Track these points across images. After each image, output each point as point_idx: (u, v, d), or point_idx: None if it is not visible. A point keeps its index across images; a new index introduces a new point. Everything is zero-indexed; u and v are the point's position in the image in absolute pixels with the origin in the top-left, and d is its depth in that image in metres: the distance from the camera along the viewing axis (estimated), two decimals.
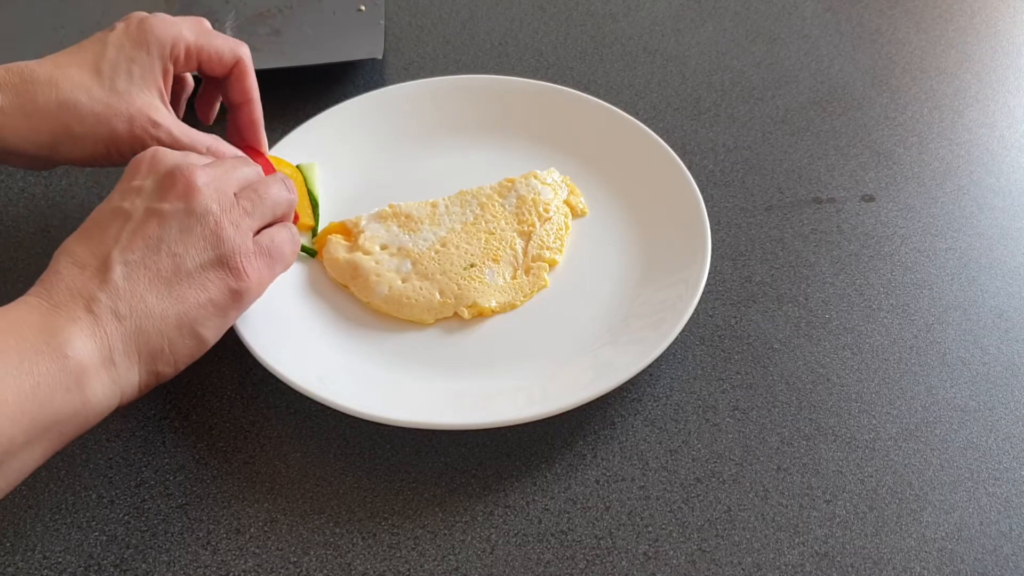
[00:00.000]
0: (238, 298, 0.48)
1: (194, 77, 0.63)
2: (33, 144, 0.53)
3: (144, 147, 0.53)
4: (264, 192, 0.51)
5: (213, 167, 0.50)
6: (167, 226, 0.46)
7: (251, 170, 0.52)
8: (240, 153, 0.58)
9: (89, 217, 0.48)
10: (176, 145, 0.55)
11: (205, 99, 0.64)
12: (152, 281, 0.45)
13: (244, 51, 0.60)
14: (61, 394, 0.41)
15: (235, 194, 0.49)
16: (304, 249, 0.61)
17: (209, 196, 0.48)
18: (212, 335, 0.48)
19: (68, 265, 0.45)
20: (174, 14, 0.76)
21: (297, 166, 0.64)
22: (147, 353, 0.45)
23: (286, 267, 0.52)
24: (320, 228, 0.63)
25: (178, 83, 0.61)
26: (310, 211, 0.63)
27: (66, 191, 0.66)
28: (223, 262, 0.47)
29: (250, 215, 0.49)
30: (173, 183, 0.48)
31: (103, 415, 0.44)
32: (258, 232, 0.50)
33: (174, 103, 0.61)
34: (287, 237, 0.52)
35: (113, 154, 0.55)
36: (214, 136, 0.57)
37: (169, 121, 0.55)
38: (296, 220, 0.57)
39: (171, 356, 0.46)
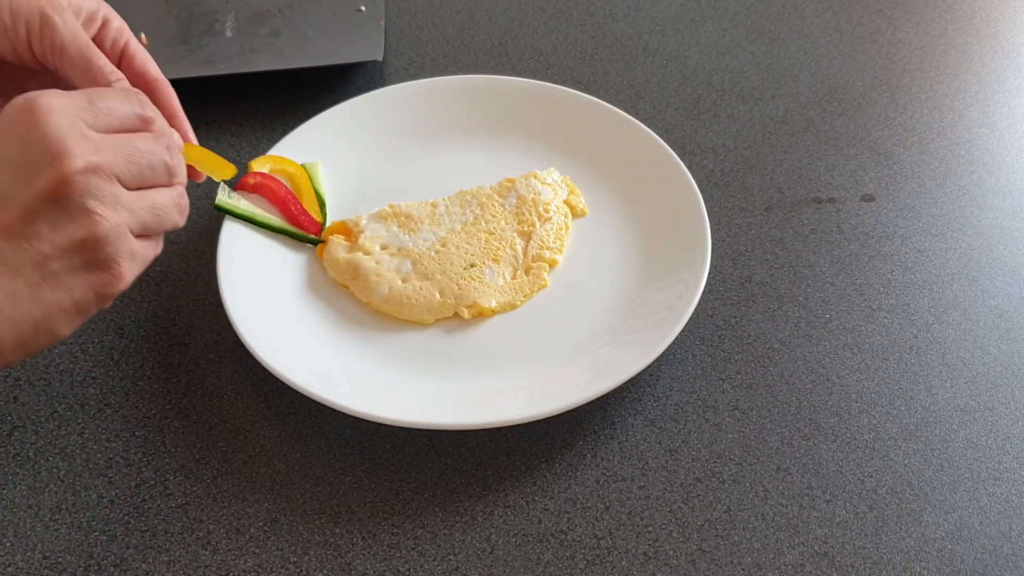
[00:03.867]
0: (106, 300, 0.43)
1: None
2: None
3: (62, 60, 0.48)
4: (157, 199, 0.44)
5: (108, 149, 0.42)
6: (32, 221, 0.40)
7: (156, 157, 0.44)
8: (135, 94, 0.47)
9: None
10: (91, 65, 0.48)
11: None
12: (6, 278, 0.40)
13: (123, 26, 0.52)
14: None
15: (116, 165, 0.42)
16: (309, 239, 0.61)
17: (88, 192, 0.41)
18: (69, 332, 0.43)
19: None
20: (174, 15, 0.77)
21: (302, 165, 0.64)
22: None
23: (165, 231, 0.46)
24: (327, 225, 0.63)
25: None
26: (318, 209, 0.63)
27: None
28: (97, 265, 0.42)
29: (131, 210, 0.42)
30: (48, 168, 0.40)
31: None
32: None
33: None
34: (169, 206, 0.45)
35: (25, 53, 0.48)
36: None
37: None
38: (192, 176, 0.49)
39: (23, 351, 0.42)
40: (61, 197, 0.40)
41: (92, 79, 0.48)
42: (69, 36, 0.48)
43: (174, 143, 0.46)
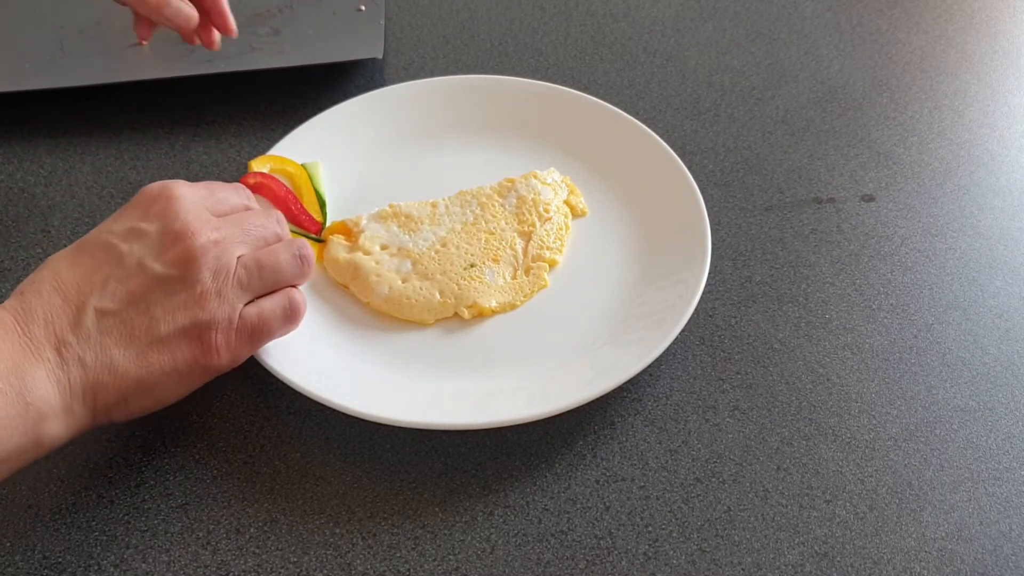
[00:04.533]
0: (205, 372, 0.48)
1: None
2: None
3: None
4: (271, 261, 0.49)
5: (227, 226, 0.48)
6: (154, 288, 0.45)
7: (267, 229, 0.51)
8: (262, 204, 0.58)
9: (86, 237, 0.48)
10: None
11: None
12: (123, 337, 0.45)
13: None
14: (17, 436, 0.42)
15: (239, 258, 0.48)
16: (309, 239, 0.61)
17: (207, 265, 0.46)
18: (171, 398, 0.48)
19: (52, 289, 0.45)
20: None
21: (302, 165, 0.64)
22: (103, 404, 0.45)
23: (277, 336, 0.51)
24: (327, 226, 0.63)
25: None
26: (318, 209, 0.63)
27: (66, 191, 0.66)
28: (197, 334, 0.46)
29: (245, 287, 0.48)
30: (175, 243, 0.46)
31: (53, 450, 0.45)
32: (252, 302, 0.49)
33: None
34: (277, 311, 0.49)
35: None
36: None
37: None
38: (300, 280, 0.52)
39: (126, 409, 0.46)
40: (184, 268, 0.46)
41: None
42: None
43: (280, 216, 0.53)
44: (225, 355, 0.47)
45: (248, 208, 0.52)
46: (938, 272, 0.62)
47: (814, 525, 0.49)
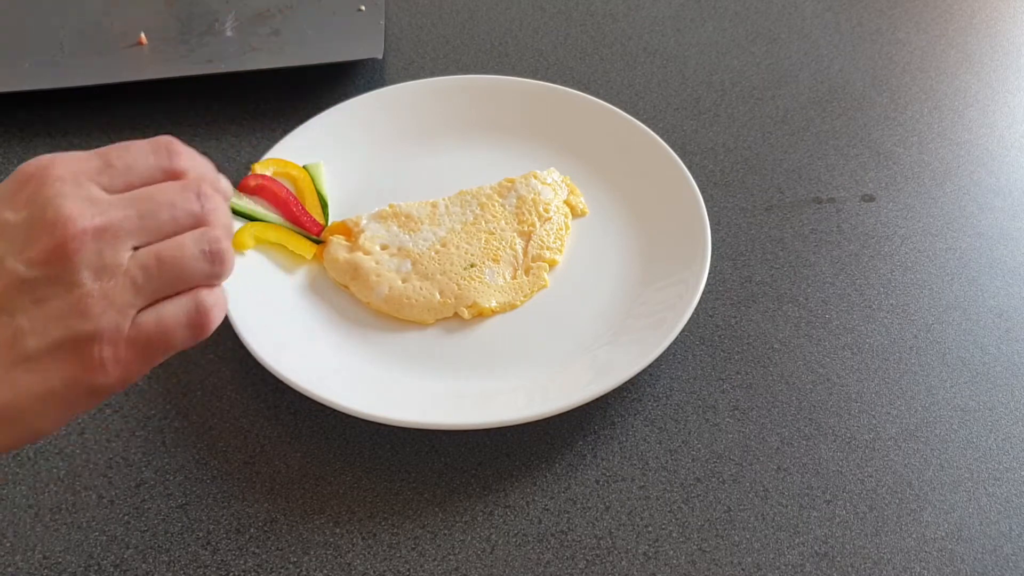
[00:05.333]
0: (91, 394, 0.37)
1: None
2: None
3: None
4: (173, 257, 0.37)
5: (118, 207, 0.37)
6: (17, 294, 0.35)
7: (180, 209, 0.38)
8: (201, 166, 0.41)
9: None
10: None
11: None
12: None
13: None
14: None
15: (134, 250, 0.37)
16: (310, 239, 0.61)
17: (85, 262, 0.35)
18: (50, 426, 0.37)
19: None
20: (174, 15, 0.77)
21: (304, 167, 0.64)
22: None
23: (176, 349, 0.39)
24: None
25: None
26: (320, 211, 0.63)
27: None
28: (76, 348, 0.36)
29: (139, 288, 0.37)
30: (43, 236, 0.35)
31: None
32: (150, 306, 0.37)
33: None
34: (181, 317, 0.38)
35: None
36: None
37: None
38: (217, 279, 0.40)
39: None
40: (54, 267, 0.35)
41: None
42: None
43: (208, 190, 0.39)
44: (114, 372, 0.37)
45: (166, 175, 0.39)
46: (938, 272, 0.62)
47: (814, 525, 0.49)
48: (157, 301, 0.38)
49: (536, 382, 0.54)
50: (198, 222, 0.38)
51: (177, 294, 0.38)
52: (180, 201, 0.38)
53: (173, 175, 0.39)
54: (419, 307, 0.58)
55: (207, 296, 0.39)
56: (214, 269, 0.39)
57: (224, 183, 0.41)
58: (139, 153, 0.39)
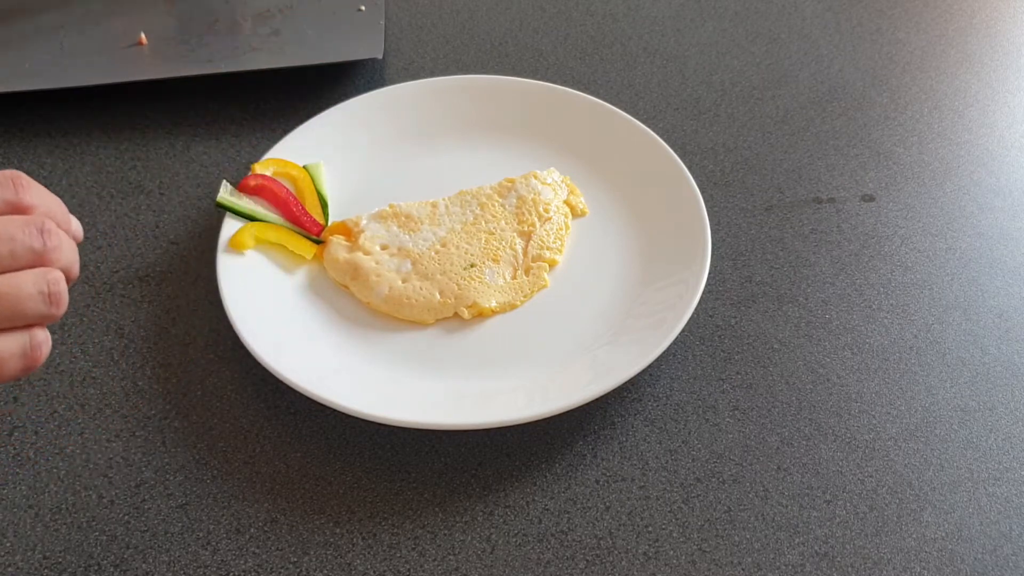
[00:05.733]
0: None
1: None
2: None
3: None
4: (8, 294, 0.36)
5: None
6: None
7: (19, 243, 0.37)
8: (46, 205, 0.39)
9: None
10: None
11: None
12: None
13: None
14: None
15: None
16: (310, 239, 0.61)
17: None
18: None
19: None
20: (174, 15, 0.77)
21: (304, 166, 0.64)
22: None
23: (8, 381, 0.39)
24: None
25: None
26: (320, 211, 0.63)
27: (67, 191, 0.66)
28: None
29: None
30: None
31: None
32: None
33: None
34: (14, 351, 0.37)
35: None
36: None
37: None
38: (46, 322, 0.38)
39: None
40: None
41: None
42: None
43: (52, 227, 0.38)
44: None
45: (10, 209, 0.38)
46: (938, 272, 0.62)
47: (814, 525, 0.49)
48: None
49: (536, 382, 0.54)
50: (39, 260, 0.37)
51: (11, 328, 0.37)
52: (20, 236, 0.37)
53: (18, 210, 0.37)
54: (419, 307, 0.58)
55: (40, 333, 0.38)
56: (50, 311, 0.38)
57: (75, 224, 0.40)
58: None
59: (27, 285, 0.37)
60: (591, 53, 0.79)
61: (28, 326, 0.38)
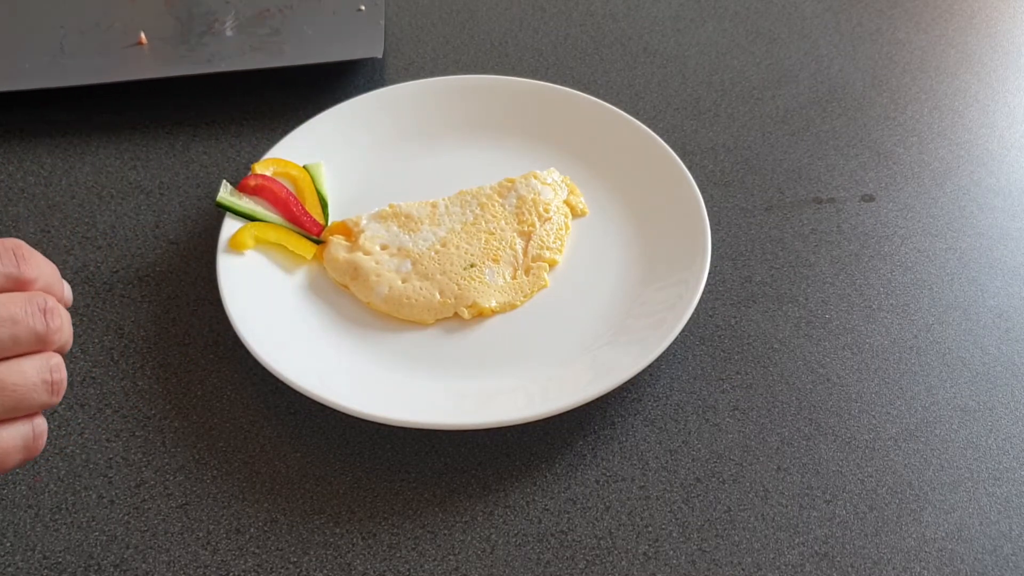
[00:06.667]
0: None
1: None
2: None
3: None
4: (13, 383, 0.35)
5: None
6: None
7: (21, 327, 0.35)
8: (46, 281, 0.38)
9: None
10: None
11: None
12: None
13: None
14: None
15: None
16: (310, 239, 0.61)
17: None
18: None
19: None
20: (174, 15, 0.77)
21: (304, 166, 0.64)
22: None
23: (8, 471, 0.38)
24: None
25: None
26: (320, 211, 0.63)
27: (66, 191, 0.66)
28: None
29: None
30: None
31: None
32: None
33: None
34: (18, 441, 0.36)
35: None
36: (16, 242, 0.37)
37: None
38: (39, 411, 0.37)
39: None
40: None
41: None
42: None
43: (53, 304, 0.36)
44: None
45: (9, 284, 0.36)
46: (938, 272, 0.62)
47: (814, 525, 0.49)
48: None
49: (536, 382, 0.54)
50: (40, 343, 0.36)
51: (9, 420, 0.36)
52: (23, 318, 0.36)
53: (19, 283, 0.36)
54: (419, 307, 0.58)
55: (41, 422, 0.37)
56: (51, 400, 0.37)
57: (67, 291, 0.39)
58: None
59: (31, 375, 0.36)
60: (591, 53, 0.78)
61: (28, 415, 0.36)
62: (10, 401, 0.35)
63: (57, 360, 0.37)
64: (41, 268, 0.37)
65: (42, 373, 0.36)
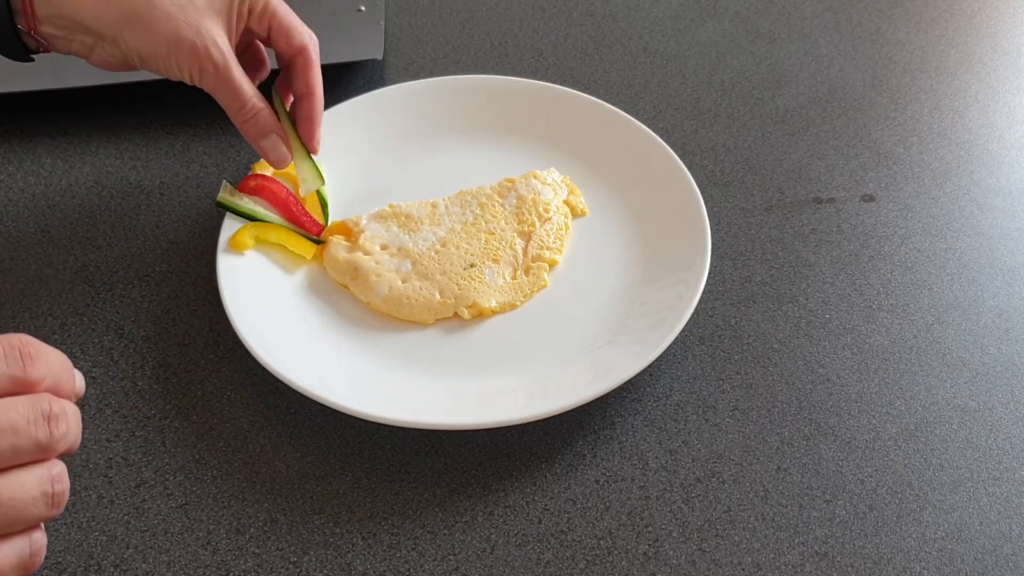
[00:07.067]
0: None
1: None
2: (102, 20, 0.52)
3: (197, 66, 0.53)
4: (15, 499, 0.34)
5: None
6: None
7: (23, 437, 0.34)
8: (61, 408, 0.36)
9: None
10: (221, 75, 0.54)
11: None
12: None
13: (313, 42, 0.59)
14: None
15: None
16: (310, 239, 0.61)
17: None
18: None
19: None
20: None
21: None
22: None
23: None
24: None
25: (254, 57, 0.61)
26: (320, 211, 0.63)
27: (66, 191, 0.66)
28: None
29: None
30: None
31: None
32: None
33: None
34: (12, 560, 0.35)
35: (172, 60, 0.54)
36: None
37: (228, 52, 0.55)
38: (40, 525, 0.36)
39: None
40: None
41: (240, 117, 0.56)
42: (212, 70, 0.54)
43: (58, 410, 0.35)
44: None
45: (15, 386, 0.35)
46: (938, 272, 0.62)
47: (814, 525, 0.49)
48: None
49: (536, 382, 0.54)
50: (42, 452, 0.34)
51: (8, 534, 0.35)
52: (25, 427, 0.34)
53: (24, 386, 0.35)
54: (419, 307, 0.58)
55: (40, 537, 0.36)
56: (51, 513, 0.35)
57: (79, 382, 0.37)
58: None
59: (31, 488, 0.34)
60: (591, 53, 0.79)
61: (26, 529, 0.35)
62: (7, 516, 0.34)
63: (59, 470, 0.35)
64: (50, 365, 0.35)
65: (42, 485, 0.34)
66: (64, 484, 0.35)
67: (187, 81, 0.55)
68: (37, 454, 0.34)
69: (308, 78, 0.59)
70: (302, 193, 0.61)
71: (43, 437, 0.34)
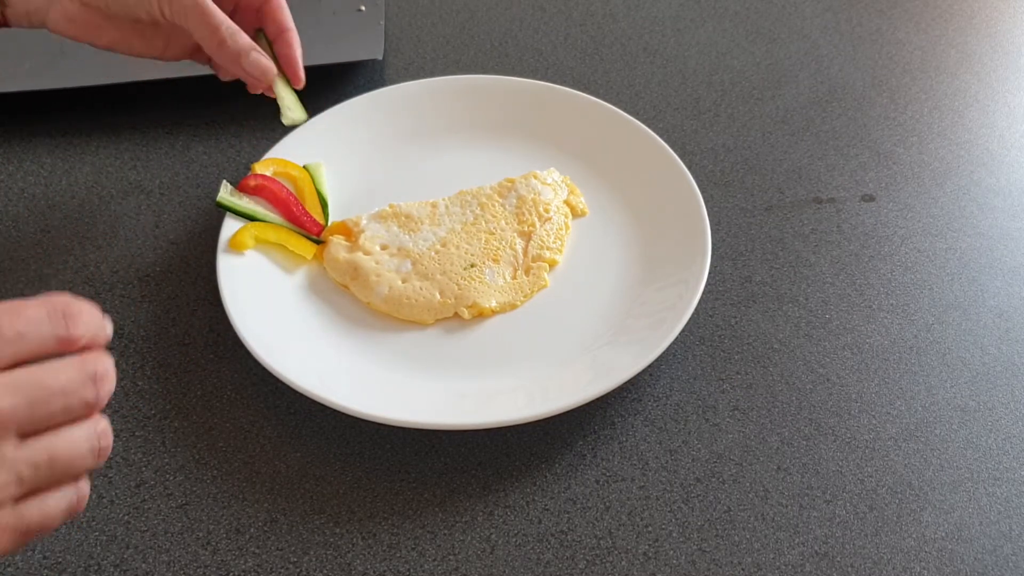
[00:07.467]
0: None
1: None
2: None
3: (185, 17, 0.54)
4: (66, 455, 0.36)
5: (9, 394, 0.34)
6: None
7: (75, 397, 0.36)
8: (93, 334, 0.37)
9: None
10: (209, 20, 0.55)
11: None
12: None
13: None
14: None
15: (21, 444, 0.35)
16: (310, 239, 0.61)
17: None
18: None
19: None
20: None
21: (304, 166, 0.64)
22: None
23: (49, 533, 0.39)
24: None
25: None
26: (320, 211, 0.63)
27: (66, 191, 0.66)
28: None
29: (24, 482, 0.35)
30: None
31: None
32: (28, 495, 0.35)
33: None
34: (63, 507, 0.36)
35: (159, 15, 0.55)
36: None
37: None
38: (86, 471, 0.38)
39: None
40: None
41: (216, 39, 0.56)
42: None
43: (103, 369, 0.37)
44: None
45: (60, 345, 0.36)
46: (938, 272, 0.62)
47: (814, 525, 0.49)
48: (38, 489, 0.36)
49: (536, 382, 0.54)
50: (89, 410, 0.36)
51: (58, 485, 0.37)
52: (74, 388, 0.36)
53: (68, 343, 0.36)
54: (419, 307, 0.58)
55: (85, 486, 0.38)
56: (97, 463, 0.37)
57: (108, 328, 0.38)
58: (32, 320, 0.35)
59: (81, 444, 0.36)
60: (591, 53, 0.79)
61: (73, 478, 0.37)
62: (61, 470, 0.36)
63: (104, 425, 0.37)
64: (89, 322, 0.37)
65: (91, 440, 0.37)
66: (109, 438, 0.38)
67: (157, 15, 0.56)
68: (86, 412, 0.36)
69: (279, 17, 0.61)
70: (285, 122, 0.61)
71: (91, 397, 0.36)
